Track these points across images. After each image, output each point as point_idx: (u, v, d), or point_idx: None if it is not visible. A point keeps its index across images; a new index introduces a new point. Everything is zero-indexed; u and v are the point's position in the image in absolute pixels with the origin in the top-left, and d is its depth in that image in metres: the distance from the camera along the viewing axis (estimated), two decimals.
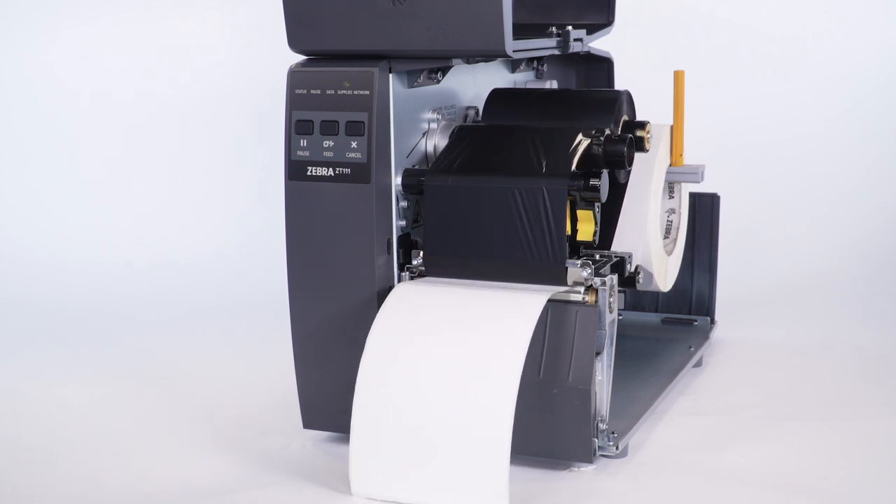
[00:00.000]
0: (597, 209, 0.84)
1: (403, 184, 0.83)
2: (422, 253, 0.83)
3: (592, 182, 0.80)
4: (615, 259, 0.85)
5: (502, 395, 0.73)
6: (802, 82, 1.48)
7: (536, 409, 0.79)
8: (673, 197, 1.02)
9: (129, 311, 1.25)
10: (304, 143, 0.83)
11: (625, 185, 0.90)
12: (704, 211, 1.08)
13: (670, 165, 0.97)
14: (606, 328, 0.80)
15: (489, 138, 0.86)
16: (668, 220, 1.02)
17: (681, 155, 0.97)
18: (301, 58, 0.84)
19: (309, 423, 0.86)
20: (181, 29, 1.51)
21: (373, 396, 0.75)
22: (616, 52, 1.12)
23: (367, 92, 0.81)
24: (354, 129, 0.81)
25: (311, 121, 0.82)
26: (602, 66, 1.11)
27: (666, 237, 1.01)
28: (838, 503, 0.76)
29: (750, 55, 1.49)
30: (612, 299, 0.80)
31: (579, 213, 0.83)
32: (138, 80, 1.49)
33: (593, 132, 0.84)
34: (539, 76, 1.05)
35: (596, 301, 0.80)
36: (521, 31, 0.84)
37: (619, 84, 1.05)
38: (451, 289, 0.80)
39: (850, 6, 1.50)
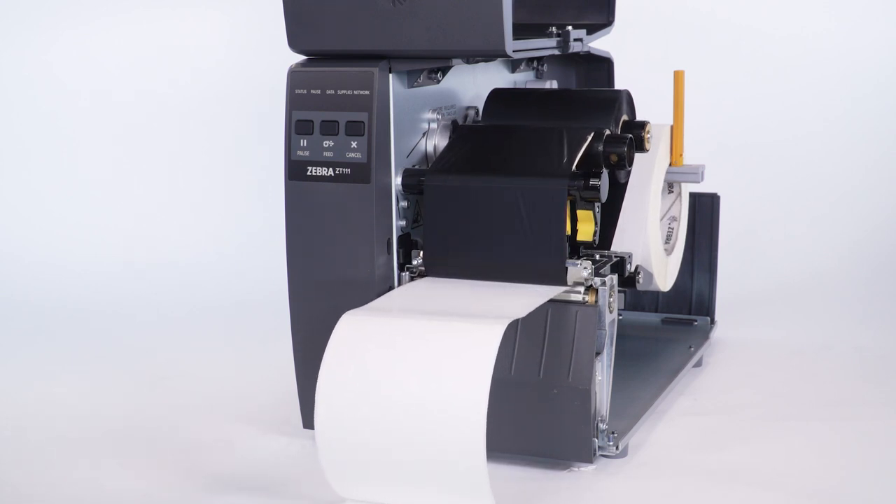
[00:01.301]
0: (597, 209, 0.84)
1: (403, 184, 0.83)
2: (422, 253, 0.83)
3: (592, 182, 0.80)
4: (615, 259, 0.85)
5: (473, 404, 0.69)
6: (802, 82, 1.48)
7: (536, 409, 0.80)
8: (673, 203, 1.02)
9: (129, 311, 1.25)
10: (304, 143, 0.83)
11: (625, 185, 0.90)
12: (704, 211, 1.08)
13: (670, 165, 0.97)
14: (606, 328, 0.80)
15: (489, 138, 0.86)
16: (669, 227, 1.02)
17: (681, 155, 0.97)
18: (301, 58, 0.84)
19: (309, 423, 0.86)
20: (181, 29, 1.51)
21: (335, 421, 0.72)
22: (616, 52, 1.12)
23: (367, 92, 0.81)
24: (354, 129, 0.81)
25: (311, 121, 0.82)
26: (602, 66, 1.11)
27: (668, 240, 1.01)
28: (838, 503, 0.76)
29: (750, 55, 1.49)
30: (612, 299, 0.80)
31: (579, 213, 0.83)
32: (138, 80, 1.49)
33: (604, 132, 0.84)
34: (539, 76, 1.05)
35: (596, 301, 0.80)
36: (521, 31, 0.83)
37: (619, 84, 1.05)
38: (404, 320, 0.74)
39: (850, 6, 1.50)
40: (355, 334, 0.73)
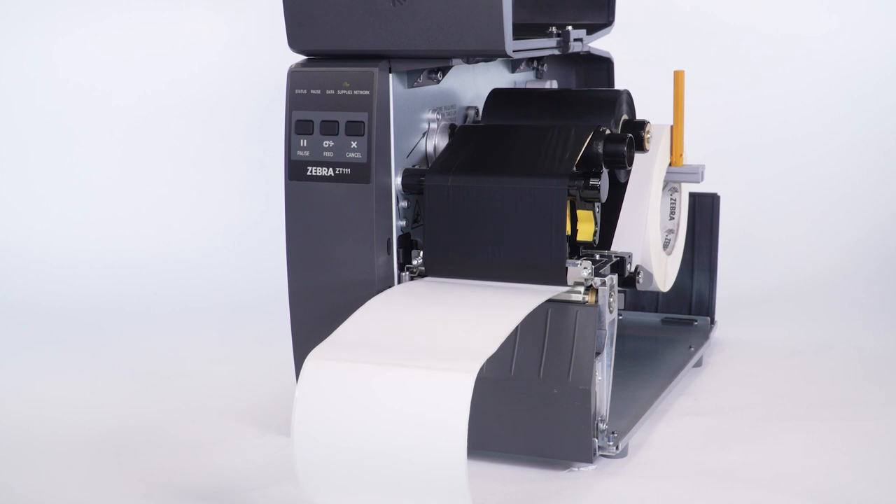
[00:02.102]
0: (597, 209, 0.84)
1: (403, 184, 0.83)
2: (422, 253, 0.83)
3: (592, 182, 0.80)
4: (615, 259, 0.85)
5: (453, 461, 0.67)
6: (802, 82, 1.48)
7: (536, 409, 0.80)
8: (673, 203, 1.02)
9: (129, 311, 1.25)
10: (304, 143, 0.83)
11: (625, 185, 0.90)
12: (704, 211, 1.08)
13: (670, 165, 0.97)
14: (606, 328, 0.80)
15: (489, 138, 0.86)
16: (671, 199, 1.02)
17: (681, 155, 0.97)
18: (301, 58, 0.84)
19: None
20: (182, 29, 1.51)
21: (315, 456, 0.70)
22: (616, 52, 1.12)
23: (367, 92, 0.81)
24: (354, 129, 0.81)
25: (311, 121, 0.82)
26: (602, 66, 1.11)
27: (668, 238, 1.01)
28: (838, 503, 0.76)
29: (750, 55, 1.49)
30: (612, 299, 0.80)
31: (579, 212, 0.83)
32: (139, 81, 1.49)
33: (602, 130, 0.84)
34: (539, 76, 1.05)
35: (596, 301, 0.80)
36: (521, 31, 0.84)
37: (619, 84, 1.05)
38: (370, 367, 0.70)
39: (851, 6, 1.50)
40: (323, 387, 0.70)
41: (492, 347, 0.70)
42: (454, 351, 0.70)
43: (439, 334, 0.73)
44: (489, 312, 0.75)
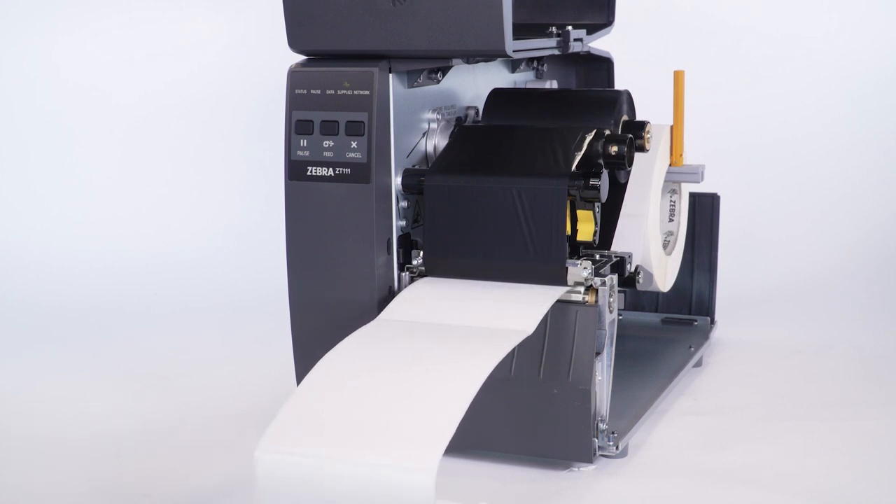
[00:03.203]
0: (597, 209, 0.84)
1: (403, 184, 0.83)
2: (422, 253, 0.83)
3: (592, 182, 0.80)
4: (615, 259, 0.85)
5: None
6: (802, 82, 1.48)
7: (536, 409, 0.80)
8: (673, 203, 1.02)
9: (129, 311, 1.25)
10: (304, 143, 0.83)
11: (625, 185, 0.90)
12: (704, 211, 1.08)
13: (670, 165, 0.97)
14: (606, 328, 0.80)
15: (489, 138, 0.86)
16: (670, 211, 1.02)
17: (681, 155, 0.97)
18: (301, 58, 0.84)
19: None
20: (182, 29, 1.51)
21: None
22: (616, 52, 1.12)
23: (367, 92, 0.81)
24: (354, 129, 0.81)
25: (311, 121, 0.82)
26: (602, 66, 1.11)
27: (666, 241, 1.01)
28: (838, 503, 0.76)
29: (750, 55, 1.49)
30: (612, 299, 0.80)
31: (579, 213, 0.83)
32: (139, 81, 1.49)
33: (605, 133, 0.84)
34: (539, 76, 1.05)
35: (596, 301, 0.80)
36: (521, 31, 0.83)
37: (619, 84, 1.05)
38: (324, 465, 0.65)
39: (851, 6, 1.50)
40: (282, 489, 0.66)
41: (451, 428, 0.65)
42: (413, 434, 0.65)
43: (396, 408, 0.67)
44: (453, 367, 0.70)
